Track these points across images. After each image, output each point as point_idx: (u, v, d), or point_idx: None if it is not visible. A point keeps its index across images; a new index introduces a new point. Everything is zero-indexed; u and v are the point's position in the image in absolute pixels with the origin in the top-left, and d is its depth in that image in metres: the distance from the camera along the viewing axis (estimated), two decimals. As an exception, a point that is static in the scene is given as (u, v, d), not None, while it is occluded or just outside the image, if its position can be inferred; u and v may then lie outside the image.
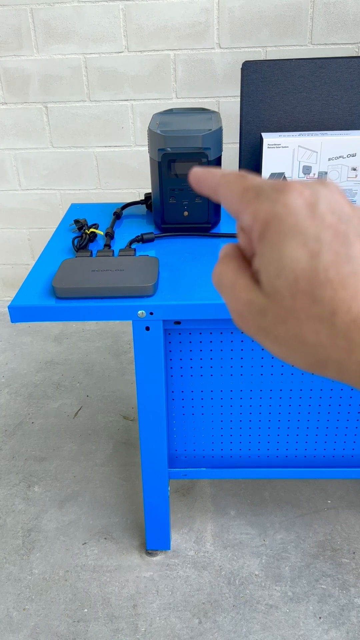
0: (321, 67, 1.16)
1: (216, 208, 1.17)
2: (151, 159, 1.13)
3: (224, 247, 0.30)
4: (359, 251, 0.24)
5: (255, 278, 0.27)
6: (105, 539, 1.38)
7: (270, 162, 1.15)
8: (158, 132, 1.09)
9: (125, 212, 1.32)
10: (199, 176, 0.30)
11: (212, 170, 0.30)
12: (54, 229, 2.37)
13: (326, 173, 1.16)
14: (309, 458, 1.25)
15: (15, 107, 2.12)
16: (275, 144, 1.14)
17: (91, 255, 1.08)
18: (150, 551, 1.33)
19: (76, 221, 1.23)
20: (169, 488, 1.33)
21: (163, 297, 0.96)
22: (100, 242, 1.18)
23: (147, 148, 2.18)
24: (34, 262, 2.46)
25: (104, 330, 2.25)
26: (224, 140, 2.02)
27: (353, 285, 0.24)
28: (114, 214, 1.26)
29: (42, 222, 2.34)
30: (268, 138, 1.14)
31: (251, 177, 0.28)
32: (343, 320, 0.24)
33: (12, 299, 1.62)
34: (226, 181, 0.28)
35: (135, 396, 1.86)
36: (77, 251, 1.11)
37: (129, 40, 1.98)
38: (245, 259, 0.28)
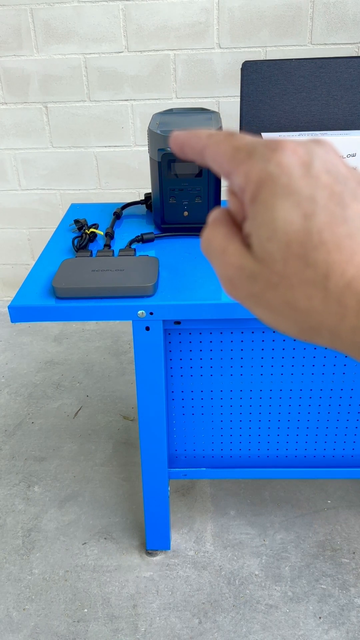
0: (321, 67, 1.16)
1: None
2: (151, 159, 1.13)
3: (213, 212, 0.28)
4: (355, 213, 0.23)
5: (246, 243, 0.26)
6: (105, 539, 1.38)
7: (270, 162, 1.15)
8: (158, 132, 1.09)
9: (125, 212, 1.32)
10: (182, 139, 0.28)
11: (196, 132, 0.28)
12: (54, 229, 2.37)
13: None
14: (309, 458, 1.25)
15: (15, 107, 2.12)
16: (275, 144, 1.14)
17: (91, 255, 1.08)
18: (150, 551, 1.33)
19: (76, 221, 1.23)
20: (169, 488, 1.33)
21: (163, 297, 0.96)
22: (100, 242, 1.18)
23: (147, 148, 2.18)
24: (34, 262, 2.46)
25: (104, 330, 2.25)
26: (224, 140, 2.02)
27: (348, 248, 0.23)
28: (114, 214, 1.26)
29: (42, 222, 2.34)
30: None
31: (241, 136, 0.26)
32: (337, 284, 0.23)
33: (12, 299, 1.62)
34: (214, 141, 0.27)
35: (135, 396, 1.86)
36: (77, 251, 1.11)
37: (129, 40, 1.98)
38: (236, 224, 0.27)
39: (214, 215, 0.28)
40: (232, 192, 0.27)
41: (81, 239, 1.15)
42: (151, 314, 0.95)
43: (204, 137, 0.28)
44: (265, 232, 0.24)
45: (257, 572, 1.28)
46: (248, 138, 0.26)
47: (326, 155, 0.25)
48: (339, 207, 0.23)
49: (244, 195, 0.25)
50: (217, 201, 1.16)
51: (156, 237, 1.17)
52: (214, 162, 0.27)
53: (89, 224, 1.23)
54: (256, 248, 0.25)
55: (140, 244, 1.16)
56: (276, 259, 0.24)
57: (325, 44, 1.95)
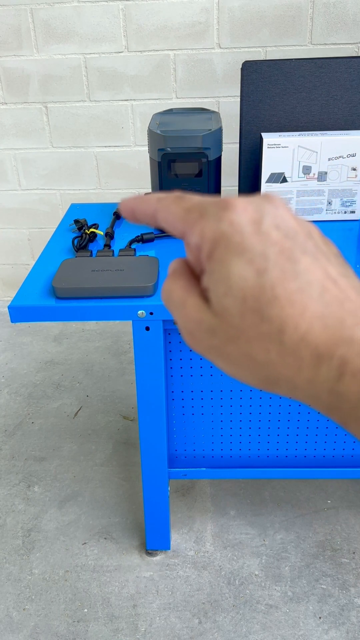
0: (321, 67, 1.16)
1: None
2: (151, 159, 1.13)
3: (173, 263, 0.29)
4: (305, 267, 0.25)
5: (204, 296, 0.27)
6: (105, 539, 1.38)
7: (270, 162, 1.15)
8: (158, 132, 1.09)
9: (125, 212, 1.31)
10: (132, 206, 0.30)
11: (144, 198, 0.29)
12: (54, 229, 2.37)
13: (326, 173, 1.16)
14: (309, 458, 1.25)
15: (15, 107, 2.12)
16: (275, 144, 1.14)
17: (91, 255, 1.08)
18: (150, 551, 1.33)
19: (76, 221, 1.23)
20: (169, 488, 1.33)
21: (163, 297, 0.96)
22: (100, 242, 1.18)
23: (147, 148, 2.18)
24: (34, 262, 2.46)
25: (104, 330, 2.25)
26: (224, 140, 2.02)
27: (300, 302, 0.24)
28: (114, 214, 1.26)
29: (42, 222, 2.34)
30: (268, 138, 1.14)
31: (189, 197, 0.28)
32: (291, 337, 0.24)
33: (12, 299, 1.62)
34: (164, 205, 0.28)
35: (135, 396, 1.86)
36: (77, 251, 1.11)
37: (129, 40, 1.98)
38: (194, 275, 0.28)
39: (173, 266, 0.29)
40: (189, 246, 0.28)
41: (81, 239, 1.15)
42: (151, 314, 0.95)
43: (154, 202, 0.29)
44: (221, 288, 0.25)
45: (257, 572, 1.28)
46: (197, 198, 0.28)
47: (275, 211, 0.26)
48: (289, 262, 0.25)
49: (201, 252, 0.26)
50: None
51: (156, 237, 1.17)
52: (167, 223, 0.28)
53: (89, 224, 1.23)
54: (214, 303, 0.26)
55: (140, 244, 1.16)
56: (233, 313, 0.25)
57: (325, 44, 1.95)
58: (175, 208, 0.28)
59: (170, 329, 1.06)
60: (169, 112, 1.24)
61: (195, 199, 0.27)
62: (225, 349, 0.26)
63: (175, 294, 0.28)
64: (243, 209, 0.26)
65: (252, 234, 0.25)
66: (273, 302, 0.24)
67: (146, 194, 0.30)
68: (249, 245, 0.25)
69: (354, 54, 1.98)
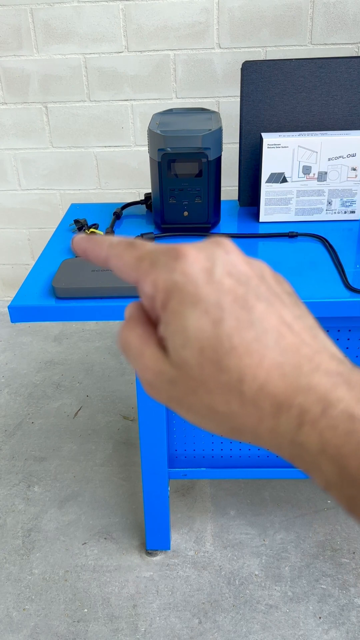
0: (321, 67, 1.16)
1: (216, 208, 1.17)
2: (151, 159, 1.13)
3: (128, 307, 0.29)
4: (260, 315, 0.24)
5: (162, 345, 0.27)
6: (105, 539, 1.38)
7: (270, 162, 1.15)
8: (158, 132, 1.09)
9: (125, 212, 1.32)
10: (84, 246, 0.30)
11: (96, 241, 0.29)
12: (54, 229, 2.37)
13: (326, 173, 1.16)
14: (309, 458, 1.25)
15: (15, 107, 2.12)
16: (275, 144, 1.14)
17: (91, 255, 1.08)
18: (150, 551, 1.33)
19: (76, 221, 1.23)
20: (169, 488, 1.33)
21: (163, 297, 0.96)
22: (100, 242, 1.18)
23: (147, 148, 2.18)
24: (34, 262, 2.46)
25: (104, 330, 2.25)
26: (224, 140, 2.02)
27: (257, 352, 0.24)
28: (114, 214, 1.26)
29: (42, 222, 2.34)
30: (268, 138, 1.14)
31: (140, 244, 0.28)
32: (250, 388, 0.24)
33: (12, 299, 1.62)
34: (116, 254, 0.28)
35: (135, 396, 1.86)
36: (77, 251, 1.11)
37: (129, 40, 1.98)
38: (151, 321, 0.28)
39: (129, 312, 0.29)
40: (143, 294, 0.28)
41: (81, 239, 1.15)
42: (151, 314, 0.95)
43: (105, 247, 0.29)
44: (178, 340, 0.25)
45: (257, 572, 1.28)
46: (148, 246, 0.27)
47: (226, 257, 0.26)
48: (244, 310, 0.24)
49: (155, 302, 0.26)
50: (217, 201, 1.16)
51: (156, 237, 1.17)
52: (120, 271, 0.28)
53: (89, 224, 1.23)
54: (172, 354, 0.25)
55: (140, 244, 1.15)
56: (192, 365, 0.25)
57: (325, 44, 1.95)
58: (127, 256, 0.27)
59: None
60: (169, 112, 1.24)
61: (146, 246, 0.27)
62: (186, 400, 0.26)
63: (132, 343, 0.27)
64: (194, 257, 0.25)
65: (205, 284, 0.25)
66: (230, 352, 0.24)
67: (102, 235, 0.30)
68: (203, 295, 0.25)
69: (354, 54, 1.98)
